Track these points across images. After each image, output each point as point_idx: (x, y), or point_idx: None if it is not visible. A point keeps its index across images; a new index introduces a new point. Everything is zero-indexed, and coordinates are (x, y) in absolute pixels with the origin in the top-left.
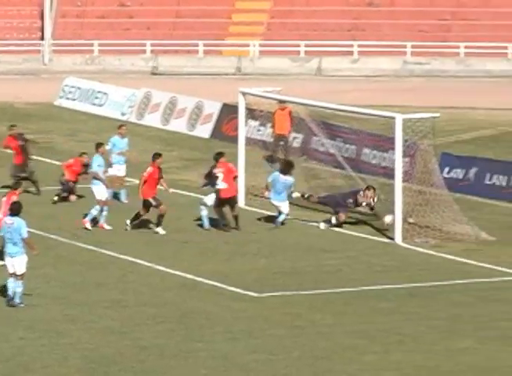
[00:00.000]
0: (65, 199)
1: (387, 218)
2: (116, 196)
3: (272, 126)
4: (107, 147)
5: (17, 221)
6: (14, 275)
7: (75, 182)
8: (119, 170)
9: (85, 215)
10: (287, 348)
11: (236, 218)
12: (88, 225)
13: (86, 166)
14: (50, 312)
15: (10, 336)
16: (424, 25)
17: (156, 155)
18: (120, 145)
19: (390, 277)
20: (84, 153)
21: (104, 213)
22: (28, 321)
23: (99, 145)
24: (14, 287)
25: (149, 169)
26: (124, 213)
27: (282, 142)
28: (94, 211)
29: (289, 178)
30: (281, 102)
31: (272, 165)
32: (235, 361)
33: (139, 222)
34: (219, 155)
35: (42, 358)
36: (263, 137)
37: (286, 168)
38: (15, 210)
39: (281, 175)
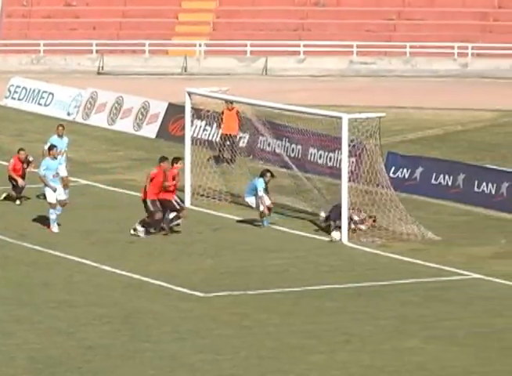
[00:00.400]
0: (12, 198)
1: (335, 234)
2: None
3: (219, 126)
4: (45, 147)
5: None
6: None
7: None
8: (60, 170)
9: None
10: (234, 348)
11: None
12: (55, 229)
13: (27, 162)
14: None
15: None
16: (370, 25)
17: (163, 158)
18: (60, 145)
19: (337, 277)
20: (21, 149)
21: (52, 216)
22: None
23: (51, 147)
24: None
25: (154, 170)
26: (69, 212)
27: (228, 142)
28: (51, 215)
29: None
30: (228, 102)
31: (218, 166)
32: (182, 361)
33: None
34: (161, 159)
35: None
36: (209, 137)
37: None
38: None
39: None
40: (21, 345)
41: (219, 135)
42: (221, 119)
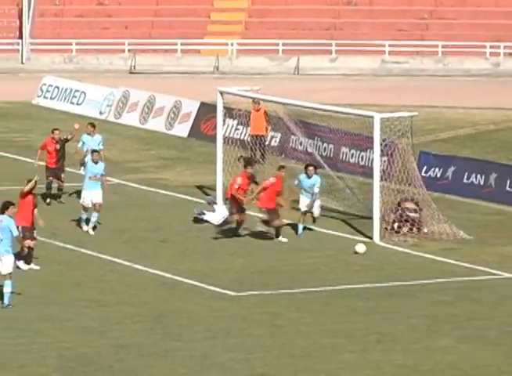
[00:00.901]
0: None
1: (359, 248)
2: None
3: (247, 125)
4: (78, 145)
5: (6, 219)
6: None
7: (57, 168)
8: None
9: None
10: (266, 347)
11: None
12: (86, 229)
13: (63, 141)
14: (28, 312)
15: None
16: (402, 24)
17: (281, 167)
18: (91, 143)
19: (368, 276)
20: (56, 129)
21: (83, 216)
22: (6, 320)
23: (93, 152)
24: (5, 286)
25: (272, 179)
26: (102, 212)
27: (258, 143)
28: (93, 219)
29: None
30: (255, 102)
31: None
32: (213, 360)
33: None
34: (278, 168)
35: (19, 357)
36: (241, 136)
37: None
38: (5, 208)
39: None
40: (52, 344)
41: (249, 136)
42: (250, 120)
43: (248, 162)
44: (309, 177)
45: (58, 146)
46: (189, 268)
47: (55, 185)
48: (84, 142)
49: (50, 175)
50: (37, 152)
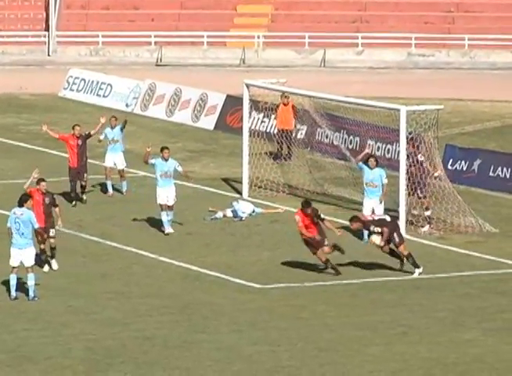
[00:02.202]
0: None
1: (375, 239)
2: (115, 187)
3: (275, 118)
4: (101, 137)
5: (26, 212)
6: (20, 269)
7: (79, 168)
8: (114, 161)
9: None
10: (291, 340)
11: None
12: (170, 229)
13: (84, 136)
14: (53, 304)
15: (14, 327)
16: (429, 17)
17: (306, 204)
18: (111, 135)
19: (394, 269)
20: (76, 125)
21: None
22: (31, 313)
23: (162, 149)
24: (28, 280)
25: (297, 218)
26: (127, 204)
27: (285, 137)
28: (163, 218)
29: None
30: (285, 96)
31: (277, 161)
32: (239, 352)
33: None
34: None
35: (45, 349)
36: (267, 129)
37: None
38: (23, 201)
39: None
40: (78, 336)
41: (276, 131)
42: (277, 114)
43: (306, 203)
44: (371, 168)
45: (80, 142)
46: (214, 260)
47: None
48: (106, 135)
49: (73, 177)
50: (55, 135)
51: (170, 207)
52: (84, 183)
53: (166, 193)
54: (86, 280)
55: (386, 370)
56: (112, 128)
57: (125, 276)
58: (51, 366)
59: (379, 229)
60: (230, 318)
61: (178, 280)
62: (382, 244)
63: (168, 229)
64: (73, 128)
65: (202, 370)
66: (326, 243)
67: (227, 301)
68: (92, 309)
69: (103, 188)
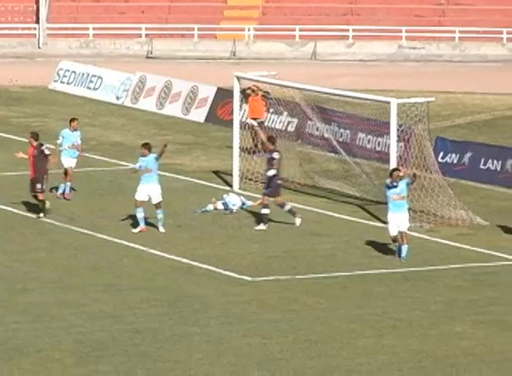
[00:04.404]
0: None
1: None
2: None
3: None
4: (58, 141)
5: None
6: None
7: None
8: (70, 163)
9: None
10: (282, 333)
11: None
12: (162, 229)
13: (40, 147)
14: (44, 297)
15: (4, 320)
16: (419, 9)
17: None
18: (71, 138)
19: (384, 262)
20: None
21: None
22: (22, 305)
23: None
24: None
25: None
26: (118, 197)
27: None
28: (138, 214)
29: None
30: (252, 90)
31: (256, 156)
32: (229, 345)
33: None
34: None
35: (36, 342)
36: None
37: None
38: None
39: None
40: (68, 329)
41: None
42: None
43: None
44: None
45: (36, 152)
46: (205, 253)
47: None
48: (64, 137)
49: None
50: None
51: (157, 206)
52: (37, 193)
53: (146, 191)
54: (77, 273)
55: (376, 362)
56: (72, 130)
57: (116, 268)
58: (41, 358)
59: None
60: (220, 311)
61: (168, 273)
62: None
63: (161, 228)
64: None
65: (192, 363)
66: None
67: (217, 294)
68: (83, 302)
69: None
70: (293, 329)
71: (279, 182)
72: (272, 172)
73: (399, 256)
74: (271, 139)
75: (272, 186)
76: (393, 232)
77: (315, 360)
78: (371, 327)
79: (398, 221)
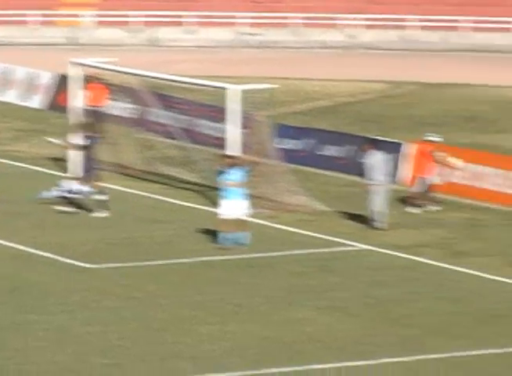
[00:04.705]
0: None
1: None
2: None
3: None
4: None
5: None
6: None
7: None
8: None
9: None
10: (123, 320)
11: None
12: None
13: None
14: None
15: None
16: None
17: None
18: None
19: (225, 248)
20: None
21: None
22: None
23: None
24: None
25: None
26: None
27: (95, 114)
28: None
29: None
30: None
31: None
32: (69, 333)
33: None
34: None
35: None
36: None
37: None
38: None
39: None
40: None
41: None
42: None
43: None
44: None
45: None
46: (44, 240)
47: None
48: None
49: None
50: None
51: None
52: None
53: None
54: None
55: (220, 349)
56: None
57: None
58: None
59: None
60: (60, 298)
61: (6, 261)
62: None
63: None
64: None
65: (31, 351)
66: None
67: (57, 282)
68: None
69: None
70: (134, 316)
71: (95, 166)
72: (86, 157)
73: (239, 243)
74: (84, 126)
75: (88, 171)
76: (226, 218)
77: (157, 347)
78: (213, 314)
79: (233, 207)
